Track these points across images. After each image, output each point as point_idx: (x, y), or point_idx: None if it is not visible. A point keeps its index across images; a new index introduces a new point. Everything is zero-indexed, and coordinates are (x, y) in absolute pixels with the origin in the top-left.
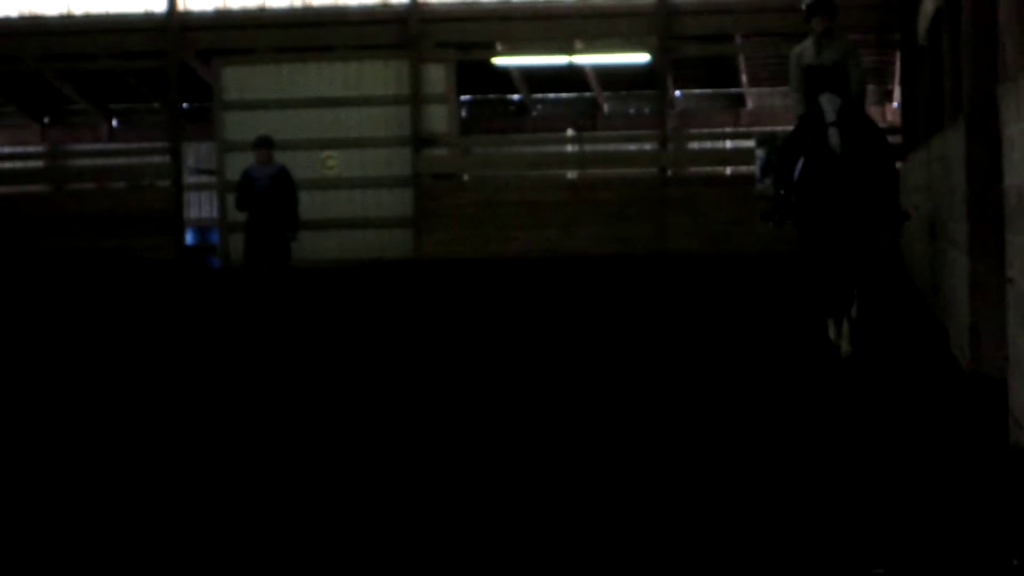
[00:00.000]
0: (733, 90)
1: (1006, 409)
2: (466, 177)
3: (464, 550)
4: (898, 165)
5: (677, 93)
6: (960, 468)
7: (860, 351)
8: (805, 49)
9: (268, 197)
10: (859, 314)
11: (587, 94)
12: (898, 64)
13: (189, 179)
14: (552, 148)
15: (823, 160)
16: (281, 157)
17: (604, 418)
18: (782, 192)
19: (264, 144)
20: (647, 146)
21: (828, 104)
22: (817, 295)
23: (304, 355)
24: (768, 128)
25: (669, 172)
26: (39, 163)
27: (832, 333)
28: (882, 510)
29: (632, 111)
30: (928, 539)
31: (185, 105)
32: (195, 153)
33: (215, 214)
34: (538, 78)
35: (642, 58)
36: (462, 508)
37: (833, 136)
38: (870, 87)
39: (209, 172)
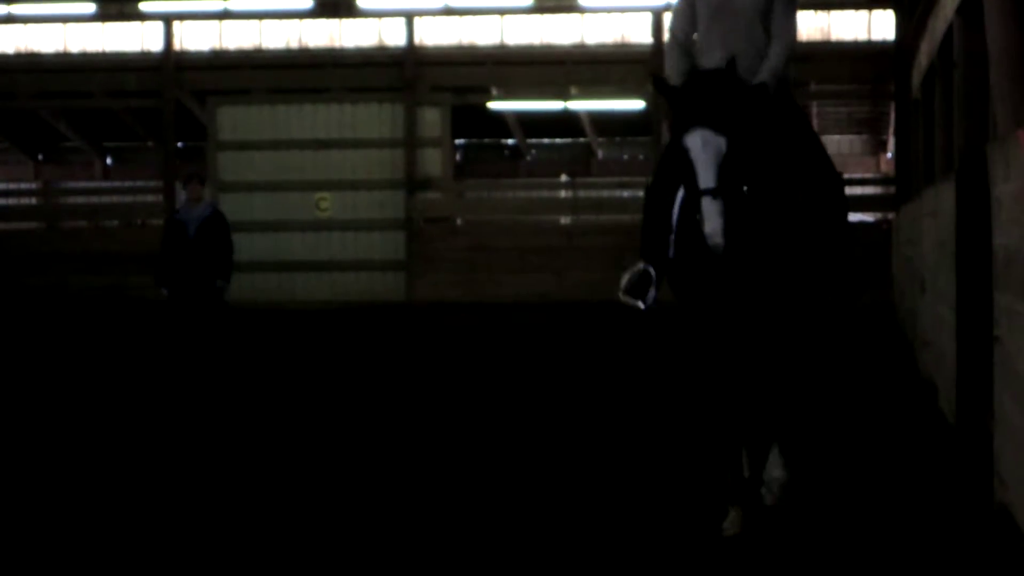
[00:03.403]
0: None
1: (991, 467)
2: (459, 221)
3: None
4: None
5: None
6: (943, 527)
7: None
8: None
9: (199, 244)
10: (785, 473)
11: (581, 139)
12: (893, 115)
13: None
14: (546, 193)
15: (699, 249)
16: (274, 198)
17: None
18: (651, 253)
19: (195, 179)
20: (641, 192)
21: (702, 155)
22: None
23: (278, 407)
24: None
25: None
26: (32, 200)
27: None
28: (865, 570)
29: (626, 157)
30: None
31: (180, 144)
32: None
33: None
34: (533, 123)
35: (637, 104)
36: None
37: (710, 218)
38: (862, 137)
39: None
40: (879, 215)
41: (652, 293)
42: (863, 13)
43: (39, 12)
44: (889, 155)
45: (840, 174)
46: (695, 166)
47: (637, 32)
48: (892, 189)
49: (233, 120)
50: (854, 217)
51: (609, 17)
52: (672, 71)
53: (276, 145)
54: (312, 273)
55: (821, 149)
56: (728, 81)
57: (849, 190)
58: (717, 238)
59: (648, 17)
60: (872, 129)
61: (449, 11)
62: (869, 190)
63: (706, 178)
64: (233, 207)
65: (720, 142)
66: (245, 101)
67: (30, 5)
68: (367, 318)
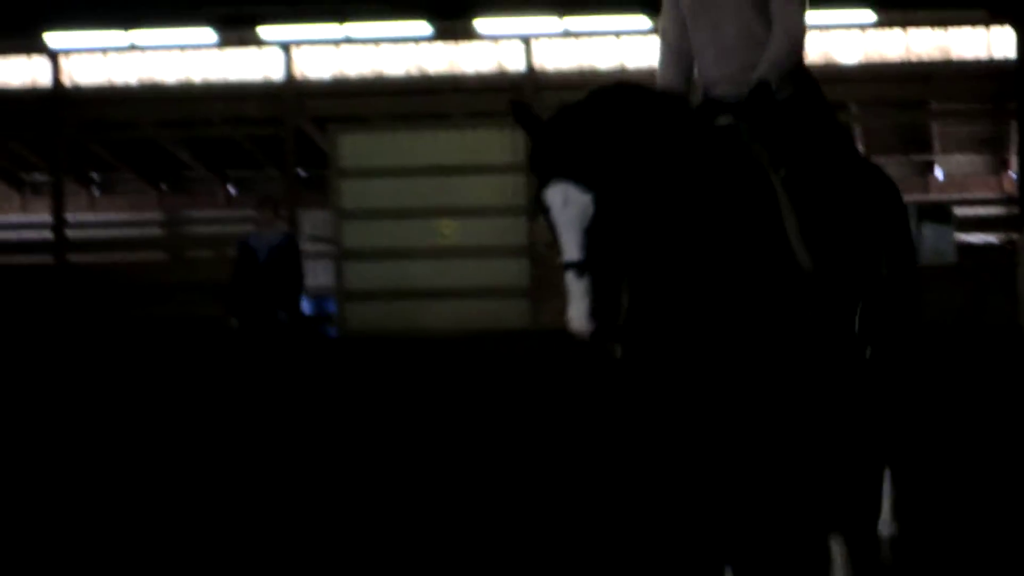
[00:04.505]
0: None
1: None
2: None
3: None
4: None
5: None
6: None
7: None
8: None
9: (270, 271)
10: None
11: None
12: (1014, 133)
13: (306, 247)
14: None
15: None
16: (397, 225)
17: None
18: None
19: (267, 204)
20: None
21: (562, 217)
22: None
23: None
24: None
25: None
26: (157, 230)
27: None
28: None
29: None
30: None
31: (301, 172)
32: (311, 221)
33: (332, 282)
34: None
35: None
36: None
37: (574, 300)
38: (984, 157)
39: (326, 240)
40: (1003, 235)
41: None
42: (983, 31)
43: (160, 41)
44: (1012, 174)
45: (895, 187)
46: (556, 232)
47: None
48: (1015, 209)
49: (354, 147)
50: (978, 238)
51: None
52: (663, 81)
53: (397, 172)
54: (435, 301)
55: (856, 157)
56: (621, 103)
57: (971, 211)
58: (579, 324)
59: None
60: (994, 149)
61: (568, 34)
62: (992, 211)
63: (569, 248)
64: (355, 234)
65: (584, 201)
66: (366, 128)
67: (151, 33)
68: (489, 346)
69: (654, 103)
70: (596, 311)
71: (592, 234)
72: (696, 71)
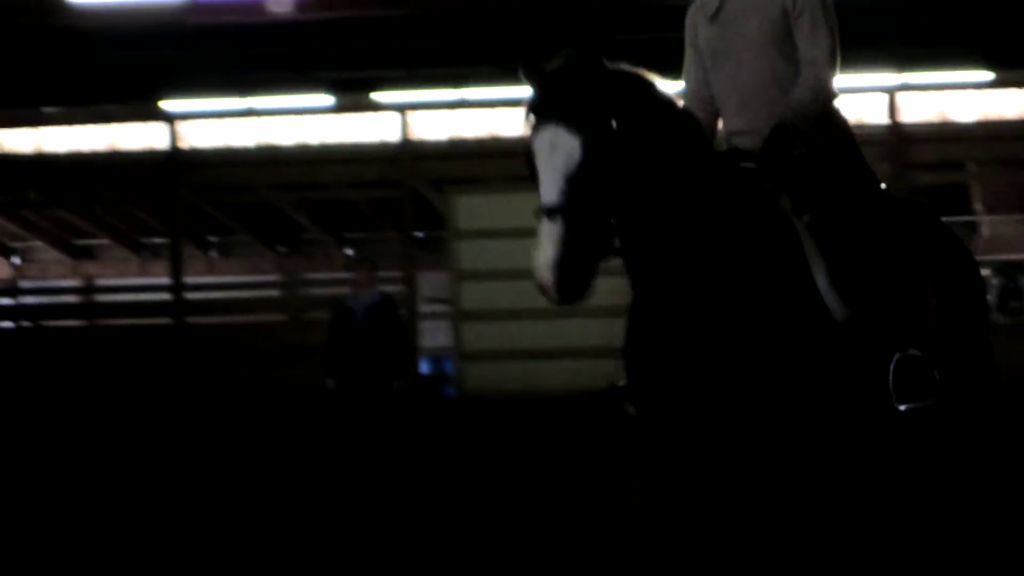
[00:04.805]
0: (966, 218)
1: None
2: None
3: None
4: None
5: None
6: None
7: None
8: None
9: (369, 331)
10: None
11: None
12: None
13: (423, 308)
14: None
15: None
16: (514, 286)
17: None
18: None
19: (365, 265)
20: None
21: (547, 160)
22: None
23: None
24: (1003, 256)
25: None
26: (274, 292)
27: None
28: None
29: None
30: None
31: (418, 234)
32: (429, 282)
33: (450, 343)
34: None
35: None
36: None
37: (545, 244)
38: None
39: (443, 301)
40: None
41: None
42: None
43: (277, 105)
44: None
45: (952, 232)
46: (538, 176)
47: (872, 113)
48: None
49: (471, 208)
50: None
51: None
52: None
53: (514, 233)
54: (552, 361)
55: (893, 201)
56: (633, 72)
57: None
58: (546, 273)
59: (884, 98)
60: None
61: (679, 96)
62: None
63: (548, 191)
64: (472, 295)
65: (573, 144)
66: (482, 189)
67: (269, 98)
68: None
69: (668, 95)
70: (564, 261)
71: (574, 181)
72: (720, 121)
